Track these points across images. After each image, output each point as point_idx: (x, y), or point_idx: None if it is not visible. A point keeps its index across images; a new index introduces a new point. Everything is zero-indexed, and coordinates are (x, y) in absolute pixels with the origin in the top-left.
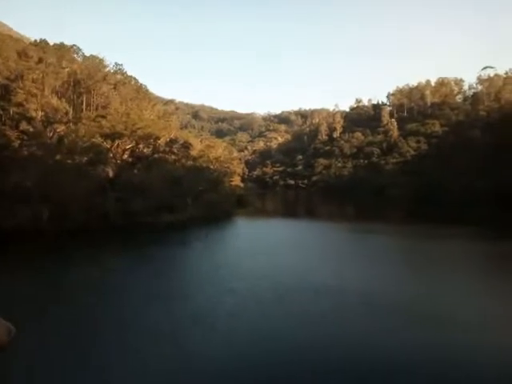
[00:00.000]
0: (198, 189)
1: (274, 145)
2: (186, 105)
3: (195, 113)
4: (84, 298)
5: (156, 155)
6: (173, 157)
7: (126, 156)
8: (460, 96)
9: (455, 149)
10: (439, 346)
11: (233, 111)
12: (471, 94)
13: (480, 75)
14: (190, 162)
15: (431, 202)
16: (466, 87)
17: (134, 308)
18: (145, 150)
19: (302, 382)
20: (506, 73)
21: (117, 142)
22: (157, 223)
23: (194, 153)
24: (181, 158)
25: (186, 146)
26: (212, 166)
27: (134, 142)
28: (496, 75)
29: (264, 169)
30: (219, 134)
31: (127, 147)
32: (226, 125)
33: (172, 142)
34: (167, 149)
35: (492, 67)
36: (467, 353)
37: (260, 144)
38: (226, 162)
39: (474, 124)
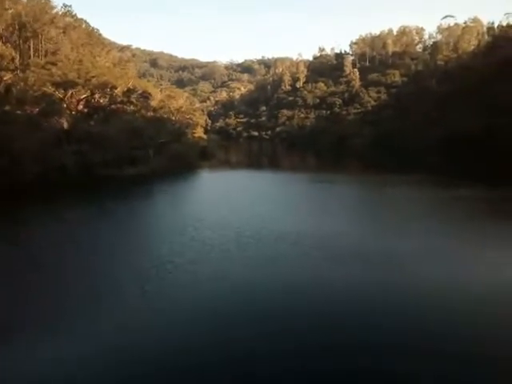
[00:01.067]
0: (159, 141)
1: (236, 95)
2: (143, 52)
3: (153, 60)
4: (43, 252)
5: (113, 106)
6: (131, 107)
7: (81, 107)
8: (420, 45)
9: (414, 99)
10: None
11: (194, 59)
12: (431, 43)
13: (440, 24)
14: (150, 113)
15: (390, 151)
16: (426, 36)
17: (97, 258)
18: (101, 101)
19: (257, 320)
20: (465, 22)
21: (70, 92)
22: (118, 176)
23: (153, 103)
24: (140, 108)
25: (145, 96)
26: (173, 118)
27: (88, 91)
28: (455, 24)
29: (227, 120)
30: (180, 83)
31: (82, 97)
32: (186, 74)
33: (130, 91)
34: (125, 99)
35: (452, 16)
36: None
37: (223, 94)
38: (188, 113)
39: (432, 74)
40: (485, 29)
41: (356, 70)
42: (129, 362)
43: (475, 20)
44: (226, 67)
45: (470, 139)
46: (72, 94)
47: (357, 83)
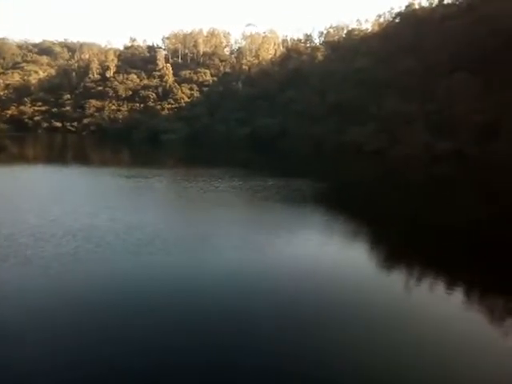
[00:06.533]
0: None
1: (33, 80)
2: None
3: None
4: None
5: None
6: None
7: None
8: (228, 49)
9: (222, 98)
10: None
11: None
12: (237, 48)
13: (244, 31)
14: None
15: (201, 146)
16: (232, 41)
17: None
18: None
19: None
20: (265, 32)
21: None
22: None
23: None
24: None
25: None
26: None
27: None
28: (257, 33)
29: (21, 108)
30: None
31: None
32: None
33: None
34: None
35: (254, 25)
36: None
37: (15, 77)
38: None
39: (238, 76)
40: (280, 40)
41: (169, 65)
42: None
43: (272, 31)
44: (20, 46)
45: (270, 137)
46: None
47: (170, 78)
